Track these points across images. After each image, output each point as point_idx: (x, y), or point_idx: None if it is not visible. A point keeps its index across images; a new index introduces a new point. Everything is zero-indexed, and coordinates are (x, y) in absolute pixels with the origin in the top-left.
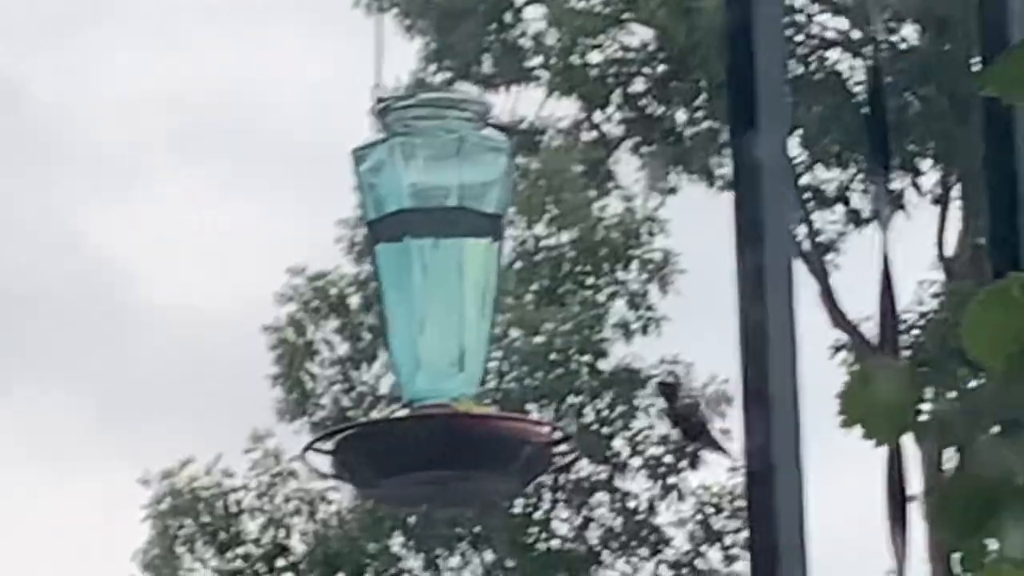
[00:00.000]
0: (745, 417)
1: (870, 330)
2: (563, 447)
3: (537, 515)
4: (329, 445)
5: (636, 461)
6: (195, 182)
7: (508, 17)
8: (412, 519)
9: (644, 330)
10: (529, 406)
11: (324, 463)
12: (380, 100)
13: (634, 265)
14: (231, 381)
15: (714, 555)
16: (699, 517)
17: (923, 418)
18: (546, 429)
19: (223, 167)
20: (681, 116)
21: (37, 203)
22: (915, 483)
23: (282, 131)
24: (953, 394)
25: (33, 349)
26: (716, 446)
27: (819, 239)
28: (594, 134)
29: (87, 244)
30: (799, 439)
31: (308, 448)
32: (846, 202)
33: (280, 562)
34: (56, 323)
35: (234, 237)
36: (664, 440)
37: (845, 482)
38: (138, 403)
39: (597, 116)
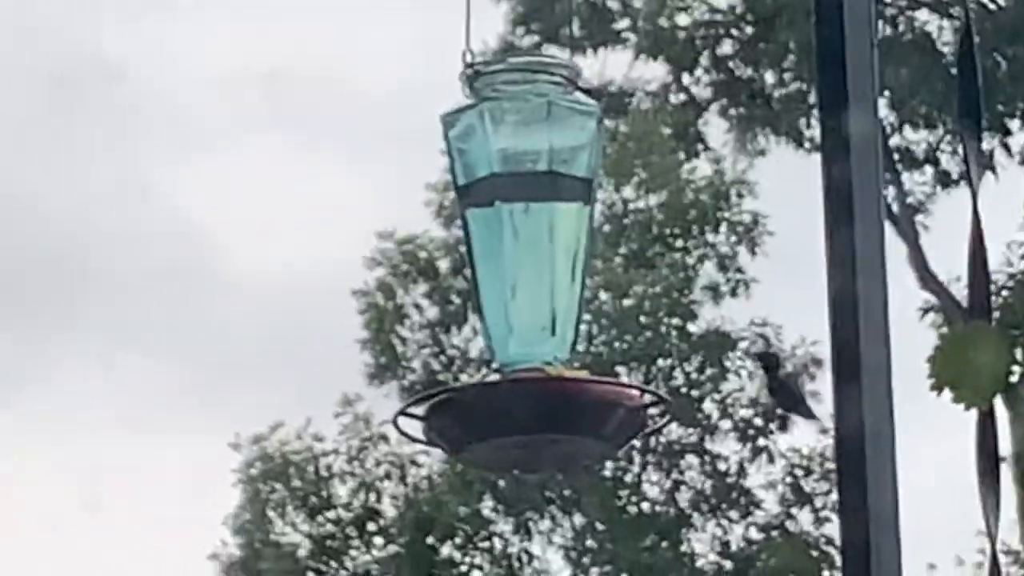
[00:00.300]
0: (835, 379)
1: (960, 292)
2: (655, 411)
3: (627, 478)
4: (420, 410)
5: (726, 424)
6: (283, 149)
7: None
8: (502, 483)
9: (733, 292)
10: (618, 369)
11: (415, 428)
12: (469, 65)
13: (723, 227)
14: (320, 345)
15: (804, 517)
16: (789, 479)
17: (1014, 380)
18: (638, 393)
19: (311, 133)
20: (769, 78)
21: (129, 173)
22: (1005, 445)
23: (370, 96)
24: None
25: (122, 317)
26: (811, 416)
27: (908, 200)
28: (682, 96)
29: (178, 212)
30: (890, 402)
31: (400, 413)
32: (935, 163)
33: (371, 526)
34: (146, 290)
35: (322, 203)
36: (754, 402)
37: (935, 444)
38: (227, 368)
39: (685, 78)
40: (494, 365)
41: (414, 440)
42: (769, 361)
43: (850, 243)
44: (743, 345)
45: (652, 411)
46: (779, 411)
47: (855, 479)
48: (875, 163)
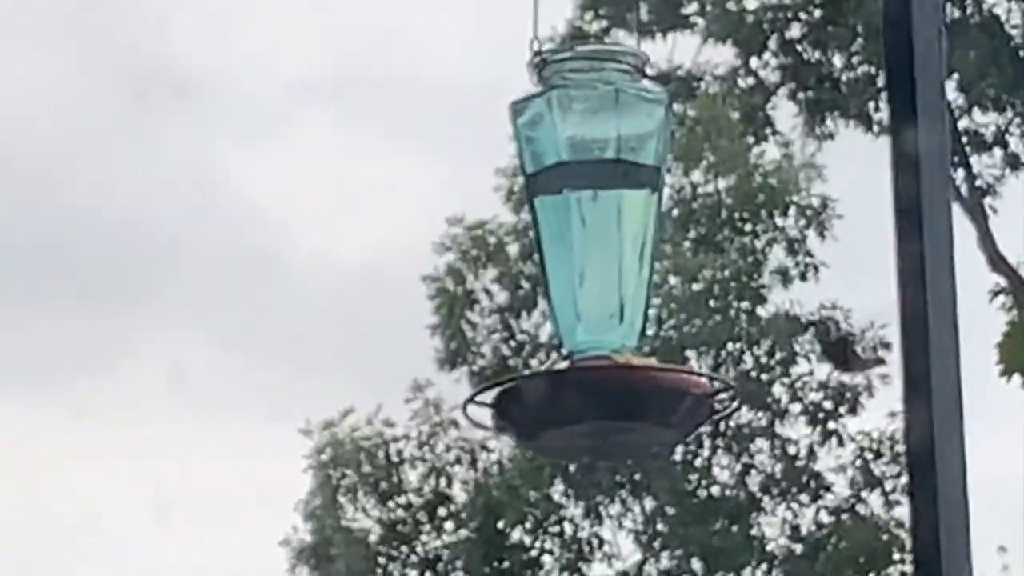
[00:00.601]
0: (904, 363)
1: None
2: (724, 397)
3: (697, 462)
4: (489, 398)
5: (796, 407)
6: (351, 136)
7: None
8: (572, 467)
9: (803, 276)
10: (688, 353)
11: (484, 415)
12: (537, 53)
13: (792, 211)
14: (388, 331)
15: (875, 500)
16: (859, 463)
17: None
18: (706, 380)
19: (379, 120)
20: (838, 61)
21: (188, 154)
22: None
23: (438, 81)
24: None
25: (184, 300)
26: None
27: (977, 183)
28: (751, 80)
29: (246, 199)
30: (959, 384)
31: (468, 402)
32: (1004, 146)
33: (441, 511)
34: (209, 276)
35: (391, 189)
36: (823, 386)
37: (1006, 427)
38: (296, 354)
39: (754, 62)
40: (562, 352)
41: (483, 428)
42: (834, 349)
43: (919, 258)
44: (813, 329)
45: (720, 397)
46: (845, 391)
47: (923, 458)
48: (944, 177)
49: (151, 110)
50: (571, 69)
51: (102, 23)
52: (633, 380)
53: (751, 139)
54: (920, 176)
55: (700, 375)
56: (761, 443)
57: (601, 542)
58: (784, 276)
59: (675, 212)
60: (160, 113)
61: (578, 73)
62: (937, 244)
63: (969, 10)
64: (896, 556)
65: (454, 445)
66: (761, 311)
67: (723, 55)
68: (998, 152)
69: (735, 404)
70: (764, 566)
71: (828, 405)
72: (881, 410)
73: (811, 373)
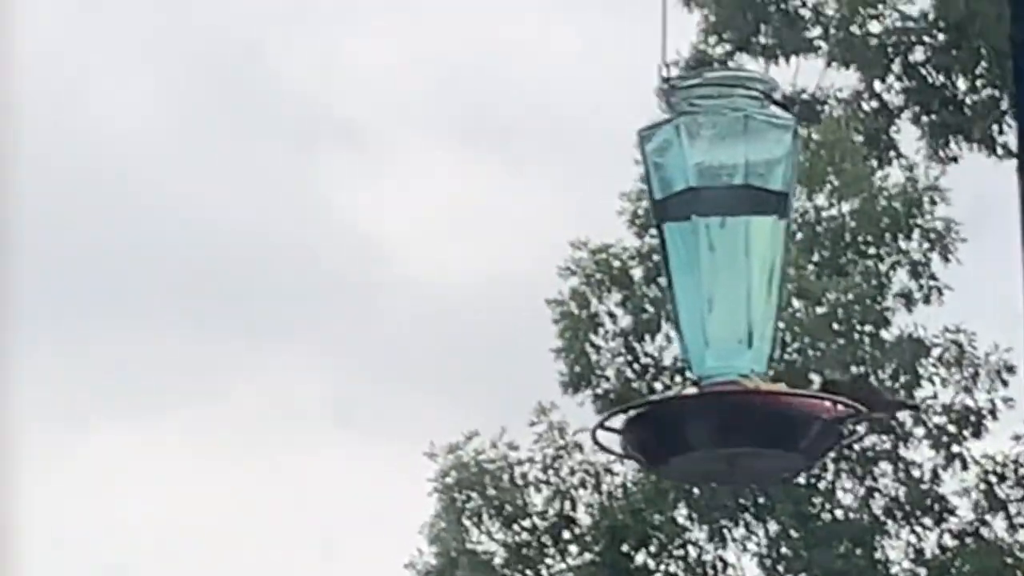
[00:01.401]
0: None
1: None
2: (850, 422)
3: (821, 485)
4: (617, 423)
5: (919, 430)
6: (477, 161)
7: None
8: (696, 490)
9: (927, 299)
10: (812, 377)
11: (613, 440)
12: (665, 80)
13: (916, 234)
14: (512, 355)
15: (999, 524)
16: (983, 486)
17: None
18: (834, 404)
19: (497, 142)
20: (962, 84)
21: (294, 178)
22: None
23: (556, 104)
24: None
25: (306, 326)
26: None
27: None
28: (874, 104)
29: (361, 221)
30: None
31: (598, 427)
32: None
33: (566, 534)
34: (318, 300)
35: (511, 212)
36: (947, 409)
37: None
38: (417, 378)
39: (877, 85)
40: (690, 377)
41: (612, 453)
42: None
43: None
44: (936, 352)
45: (849, 421)
46: (969, 414)
47: None
48: None
49: (270, 135)
50: (699, 95)
51: (211, 49)
52: (762, 405)
53: (875, 162)
54: None
55: (829, 399)
56: (885, 466)
57: (725, 565)
58: (908, 299)
59: (799, 235)
60: (278, 136)
61: (706, 99)
62: None
63: None
64: None
65: (578, 468)
66: (885, 334)
67: (847, 79)
68: None
69: (864, 429)
70: None
71: (952, 428)
72: (1006, 433)
73: (935, 396)
